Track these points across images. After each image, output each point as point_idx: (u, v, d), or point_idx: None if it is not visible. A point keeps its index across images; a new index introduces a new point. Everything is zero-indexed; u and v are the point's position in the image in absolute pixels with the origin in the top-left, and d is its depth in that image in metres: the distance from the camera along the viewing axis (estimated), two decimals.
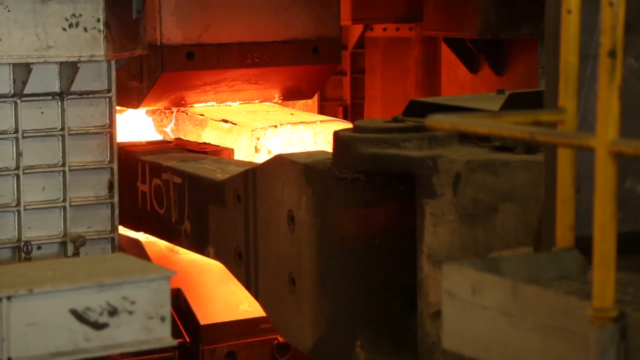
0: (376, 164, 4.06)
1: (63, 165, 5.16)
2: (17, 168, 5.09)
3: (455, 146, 4.09)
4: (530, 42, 6.93)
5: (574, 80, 2.68)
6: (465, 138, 4.14)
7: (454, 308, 2.64)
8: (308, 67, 6.57)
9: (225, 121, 6.13)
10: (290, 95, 6.79)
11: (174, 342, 3.14)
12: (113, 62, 5.18)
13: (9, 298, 2.93)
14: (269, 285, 4.57)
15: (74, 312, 2.98)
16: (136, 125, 6.57)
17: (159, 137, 6.52)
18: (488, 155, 3.97)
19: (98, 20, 5.02)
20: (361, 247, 4.10)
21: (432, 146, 4.06)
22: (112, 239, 5.27)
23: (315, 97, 8.27)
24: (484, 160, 3.91)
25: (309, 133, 6.01)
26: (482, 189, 3.90)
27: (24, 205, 5.11)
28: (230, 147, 5.90)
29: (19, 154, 5.08)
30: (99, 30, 5.02)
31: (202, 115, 6.38)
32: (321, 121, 6.12)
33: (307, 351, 4.28)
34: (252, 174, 4.69)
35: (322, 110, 8.52)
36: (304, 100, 8.34)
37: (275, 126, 5.98)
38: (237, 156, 5.85)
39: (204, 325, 5.65)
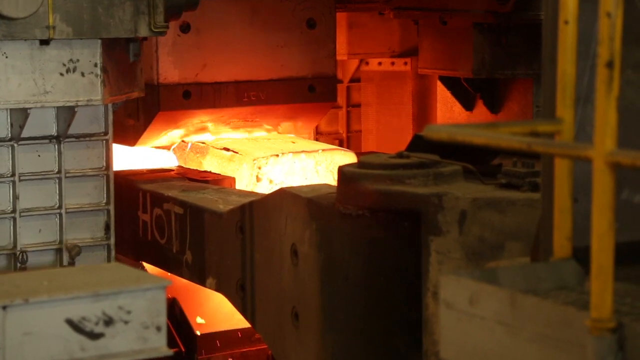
0: (381, 201, 4.04)
1: (60, 207, 5.18)
2: (14, 211, 5.11)
3: (461, 183, 4.08)
4: (525, 81, 6.97)
5: (571, 90, 2.67)
6: (471, 174, 4.13)
7: (451, 318, 2.60)
8: (304, 105, 6.61)
9: (227, 149, 6.13)
10: (286, 131, 6.81)
11: (170, 352, 3.11)
12: (110, 105, 5.23)
13: (4, 308, 2.93)
14: (271, 318, 4.53)
15: (70, 322, 2.97)
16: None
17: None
18: (494, 193, 3.95)
19: (95, 65, 5.06)
20: (365, 284, 4.07)
21: (437, 183, 4.05)
22: None
23: (311, 131, 8.33)
24: (490, 198, 3.89)
25: (310, 162, 6.00)
26: (488, 227, 3.87)
27: (21, 248, 5.12)
28: (232, 175, 5.89)
29: (15, 197, 5.10)
30: (96, 75, 5.06)
31: (203, 143, 6.39)
32: (323, 150, 6.11)
33: None
34: (255, 206, 4.68)
35: None
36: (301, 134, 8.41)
37: (277, 155, 5.97)
38: (239, 185, 5.84)
39: (200, 335, 5.63)
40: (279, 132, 6.75)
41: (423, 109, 8.32)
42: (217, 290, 5.03)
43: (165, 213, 5.40)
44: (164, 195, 5.43)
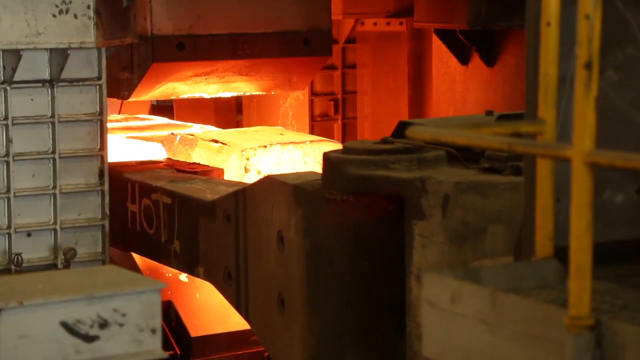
0: (365, 186, 4.08)
1: (53, 152, 5.16)
2: (7, 155, 5.09)
3: (444, 168, 4.12)
4: (521, 33, 6.91)
5: (553, 91, 2.71)
6: (454, 159, 4.17)
7: (433, 317, 2.65)
8: (299, 59, 6.54)
9: (215, 141, 6.15)
10: (281, 87, 6.77)
11: (165, 355, 3.11)
12: (103, 50, 5.18)
13: None
14: (258, 305, 4.58)
15: (65, 325, 2.96)
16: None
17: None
18: (477, 177, 3.99)
19: (88, 7, 5.04)
20: (350, 268, 4.12)
21: (421, 168, 4.09)
22: (103, 226, 5.26)
23: (306, 92, 8.30)
24: (472, 182, 3.94)
25: (298, 153, 6.03)
26: (470, 211, 3.92)
27: (14, 192, 5.10)
28: (220, 167, 5.91)
29: (9, 141, 5.08)
30: (89, 17, 5.04)
31: (192, 135, 6.40)
32: (311, 141, 6.14)
33: None
34: (242, 194, 4.71)
35: (312, 105, 8.56)
36: (295, 95, 8.39)
37: (265, 146, 6.00)
38: (227, 176, 5.86)
39: (195, 337, 5.65)
40: (273, 93, 6.70)
41: (419, 70, 8.31)
42: (205, 278, 5.07)
43: (153, 203, 5.42)
44: (152, 185, 5.45)
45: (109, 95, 5.40)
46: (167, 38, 6.12)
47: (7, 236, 5.12)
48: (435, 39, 7.62)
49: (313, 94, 8.50)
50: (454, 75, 7.58)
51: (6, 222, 5.12)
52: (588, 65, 2.45)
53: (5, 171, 5.10)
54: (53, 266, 5.19)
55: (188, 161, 6.15)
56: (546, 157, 2.61)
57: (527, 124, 2.77)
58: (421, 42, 8.25)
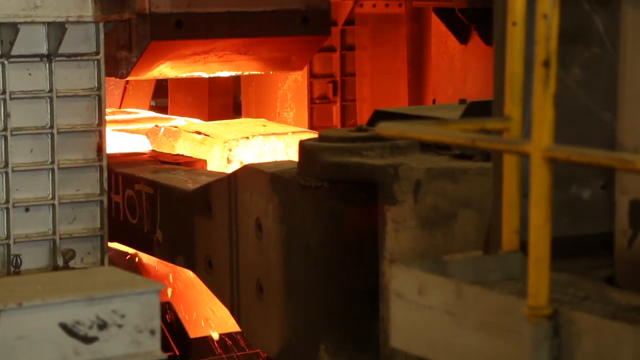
0: (339, 172, 4.17)
1: (51, 127, 5.13)
2: (5, 129, 5.06)
3: (417, 154, 4.21)
4: None
5: (519, 89, 2.78)
6: (426, 147, 4.26)
7: (401, 308, 2.74)
8: (297, 38, 6.52)
9: (198, 133, 6.23)
10: (280, 66, 6.77)
11: (164, 356, 3.11)
12: (101, 25, 5.16)
13: None
14: (238, 292, 4.67)
15: (64, 326, 2.96)
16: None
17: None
18: (447, 163, 4.09)
19: None
20: (325, 254, 4.21)
21: (393, 155, 4.18)
22: (101, 202, 5.23)
23: (305, 74, 8.28)
24: (443, 168, 4.03)
25: (280, 144, 6.11)
26: (441, 196, 4.01)
27: (12, 167, 5.08)
28: (203, 158, 5.99)
29: (6, 116, 5.05)
30: None
31: (175, 127, 6.46)
32: (293, 132, 6.23)
33: (274, 356, 4.38)
34: (222, 183, 4.80)
35: (311, 87, 8.56)
36: (294, 77, 8.39)
37: (247, 137, 6.08)
38: (210, 167, 5.94)
39: (194, 338, 5.68)
40: (272, 73, 6.69)
41: (418, 52, 8.33)
42: (187, 267, 5.16)
43: (136, 194, 5.48)
44: (135, 176, 5.50)
45: (108, 74, 5.39)
46: (165, 16, 6.10)
47: (5, 211, 5.08)
48: (434, 19, 7.63)
49: (312, 76, 8.45)
50: (453, 54, 7.62)
51: (4, 197, 5.08)
52: (546, 63, 2.53)
53: (3, 146, 5.07)
54: (51, 242, 5.17)
55: (172, 153, 6.21)
56: (507, 153, 2.69)
57: (494, 121, 2.85)
58: (420, 23, 8.27)
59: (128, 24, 5.94)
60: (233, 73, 6.67)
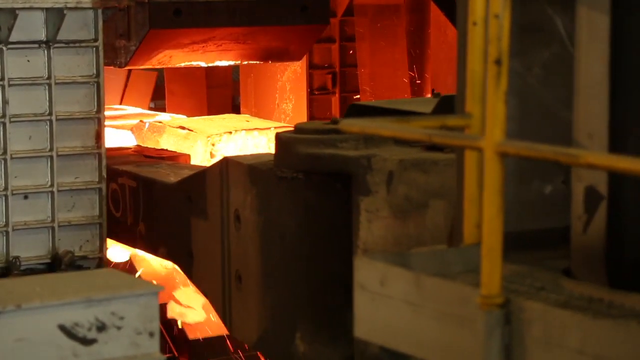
0: (314, 164, 4.27)
1: (50, 114, 5.11)
2: (4, 116, 5.03)
3: (390, 146, 4.31)
4: None
5: (479, 87, 2.87)
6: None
7: (364, 298, 2.85)
8: (296, 27, 6.52)
9: (182, 128, 6.31)
10: (279, 56, 6.78)
11: (163, 358, 3.11)
12: (100, 12, 5.14)
13: None
14: (217, 283, 4.78)
15: (63, 328, 2.96)
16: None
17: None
18: (419, 154, 4.18)
19: None
20: (301, 244, 4.31)
21: (367, 146, 4.27)
22: (100, 189, 5.24)
23: (304, 65, 8.26)
24: (415, 159, 4.13)
25: (263, 139, 6.20)
26: (413, 187, 4.12)
27: (11, 154, 5.05)
28: (187, 153, 6.07)
29: (5, 102, 5.05)
30: None
31: (160, 122, 6.55)
32: (275, 127, 6.31)
33: (252, 345, 4.49)
34: (202, 175, 4.90)
35: (310, 78, 8.51)
36: (293, 68, 8.40)
37: (230, 132, 6.16)
38: (194, 161, 6.01)
39: (193, 340, 5.70)
40: (271, 61, 6.73)
41: (417, 43, 8.35)
42: (168, 258, 5.27)
43: (120, 187, 5.55)
44: (119, 170, 5.55)
45: (106, 63, 5.39)
46: (163, 4, 6.09)
47: (4, 198, 5.08)
48: (433, 8, 7.64)
49: (311, 67, 8.41)
50: (452, 43, 7.65)
51: (3, 185, 5.08)
52: (498, 62, 2.63)
53: (1, 133, 5.07)
54: (50, 229, 5.17)
55: (156, 147, 6.28)
56: (461, 148, 2.79)
57: (455, 118, 2.94)
58: (420, 14, 8.29)
59: (127, 13, 5.92)
60: (232, 62, 6.68)
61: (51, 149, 5.16)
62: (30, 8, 4.99)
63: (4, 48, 5.04)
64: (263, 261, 4.43)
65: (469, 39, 2.82)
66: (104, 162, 5.23)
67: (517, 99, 3.15)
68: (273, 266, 4.39)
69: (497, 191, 2.60)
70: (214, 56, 6.53)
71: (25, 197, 5.14)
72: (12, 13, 4.96)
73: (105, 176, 5.27)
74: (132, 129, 6.60)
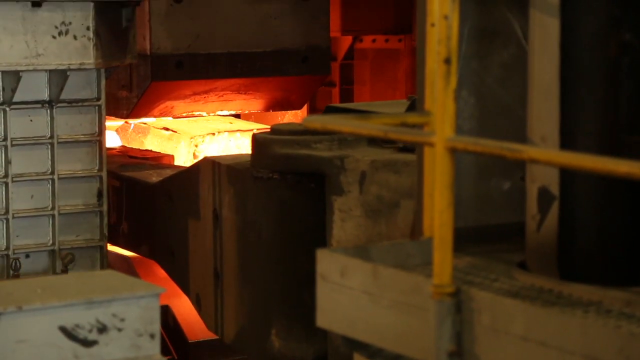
0: (289, 164, 4.39)
1: (52, 173, 5.12)
2: (6, 176, 5.05)
3: (363, 147, 4.42)
4: None
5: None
6: (373, 141, 4.47)
7: (325, 289, 2.96)
8: (297, 78, 6.61)
9: (166, 129, 6.42)
10: (280, 105, 6.86)
11: (163, 359, 3.13)
12: (102, 71, 5.20)
13: None
14: (197, 280, 4.89)
15: (63, 330, 2.97)
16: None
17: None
18: (391, 155, 4.29)
19: (88, 29, 5.03)
20: (276, 242, 4.43)
21: (341, 147, 4.39)
22: (101, 247, 5.26)
23: (305, 108, 8.37)
24: (387, 160, 4.24)
25: (245, 141, 6.29)
26: (385, 187, 4.23)
27: (13, 214, 5.06)
28: (171, 153, 6.18)
29: (7, 162, 5.04)
30: (89, 38, 5.04)
31: (145, 124, 6.66)
32: (258, 129, 6.42)
33: (230, 342, 4.60)
34: (182, 175, 5.02)
35: None
36: (294, 112, 8.51)
37: (213, 134, 6.26)
38: (177, 162, 6.12)
39: (192, 342, 5.72)
40: (272, 110, 6.82)
41: (416, 86, 8.39)
42: (150, 257, 5.38)
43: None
44: None
45: (108, 114, 5.43)
46: (166, 57, 6.17)
47: (5, 258, 5.10)
48: None
49: (312, 110, 8.49)
50: None
51: (5, 244, 5.07)
52: (447, 61, 2.73)
53: (4, 192, 5.06)
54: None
55: (141, 148, 6.35)
56: (415, 143, 2.90)
57: (414, 116, 3.05)
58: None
59: (129, 65, 5.92)
60: (233, 112, 6.73)
61: (53, 208, 5.17)
62: (34, 70, 5.03)
63: (7, 109, 5.06)
64: (240, 258, 4.54)
65: (427, 39, 2.91)
66: (105, 220, 5.24)
67: (476, 98, 3.27)
68: (249, 263, 4.51)
69: (448, 185, 2.69)
70: (216, 106, 6.59)
71: (27, 256, 5.15)
72: (16, 75, 5.00)
73: (106, 234, 5.27)
74: (117, 130, 6.70)
